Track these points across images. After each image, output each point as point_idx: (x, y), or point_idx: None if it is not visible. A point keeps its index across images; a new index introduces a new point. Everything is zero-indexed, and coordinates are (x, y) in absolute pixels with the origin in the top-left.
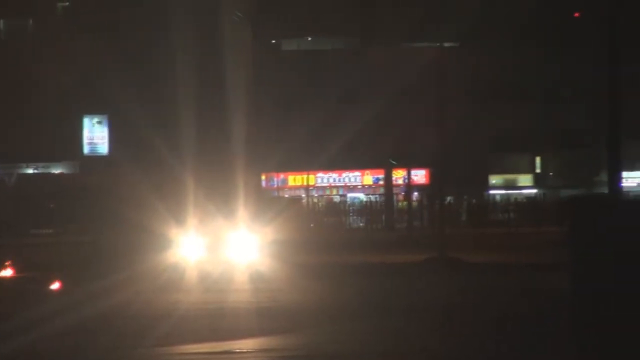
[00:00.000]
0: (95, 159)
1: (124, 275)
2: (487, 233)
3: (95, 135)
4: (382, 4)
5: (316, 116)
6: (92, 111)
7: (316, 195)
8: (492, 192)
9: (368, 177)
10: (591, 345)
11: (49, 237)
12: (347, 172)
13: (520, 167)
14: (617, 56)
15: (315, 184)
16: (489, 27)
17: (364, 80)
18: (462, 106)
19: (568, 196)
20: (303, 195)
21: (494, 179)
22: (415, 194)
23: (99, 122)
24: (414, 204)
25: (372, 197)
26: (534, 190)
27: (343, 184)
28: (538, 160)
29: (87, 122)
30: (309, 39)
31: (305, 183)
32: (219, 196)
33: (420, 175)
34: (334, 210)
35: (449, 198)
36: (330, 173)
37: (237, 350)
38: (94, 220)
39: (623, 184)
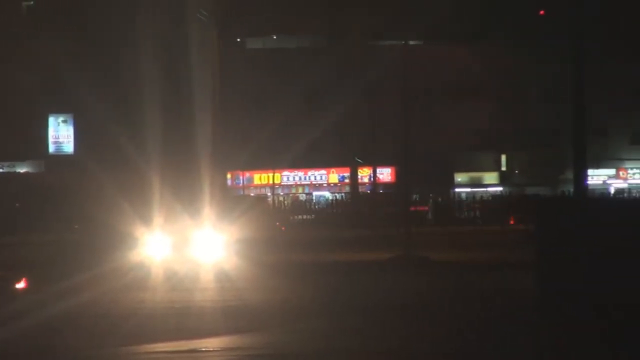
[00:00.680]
0: (61, 158)
1: (90, 274)
2: (453, 231)
3: (61, 134)
4: (347, 3)
5: (282, 114)
6: (58, 110)
7: (282, 193)
8: (458, 190)
9: (334, 176)
10: (557, 343)
11: (15, 236)
12: (313, 171)
13: (485, 165)
14: (582, 55)
15: (281, 182)
16: (454, 25)
17: (329, 79)
18: (428, 104)
19: (533, 196)
20: (269, 194)
21: (459, 177)
22: (381, 192)
23: (64, 121)
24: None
25: (338, 196)
26: (500, 188)
27: (309, 183)
28: (504, 158)
29: (52, 121)
30: (274, 37)
31: (271, 182)
32: (185, 195)
33: (385, 174)
34: (300, 208)
35: (415, 196)
36: (296, 171)
37: (204, 349)
38: (59, 219)
39: (588, 182)
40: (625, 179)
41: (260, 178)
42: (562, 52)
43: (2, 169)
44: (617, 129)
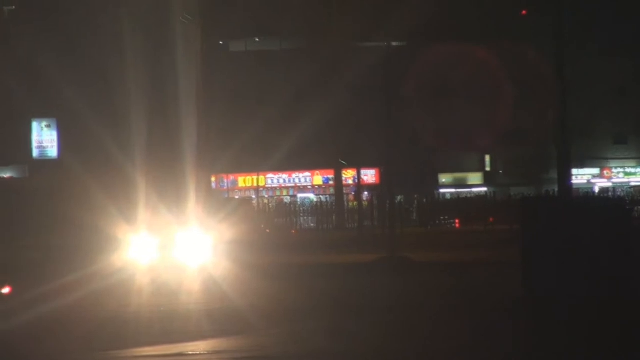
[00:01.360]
0: (45, 162)
1: (74, 277)
2: (438, 232)
3: (44, 139)
4: (330, 4)
5: (266, 117)
6: (41, 115)
7: (266, 196)
8: (442, 190)
9: (318, 178)
10: (541, 344)
11: None
12: (297, 173)
13: (469, 166)
14: (564, 54)
15: (266, 185)
16: (437, 25)
17: (312, 80)
18: (411, 105)
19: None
20: (253, 197)
21: (443, 178)
22: (366, 193)
23: (48, 126)
24: (365, 203)
25: (323, 198)
26: (484, 189)
27: (293, 185)
28: (488, 158)
29: (35, 126)
30: (257, 39)
31: (255, 184)
32: (170, 196)
33: (370, 175)
34: (285, 211)
35: (399, 197)
36: (280, 174)
37: (190, 353)
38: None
39: (573, 181)
40: (609, 178)
41: (245, 181)
42: (547, 51)
43: None
44: (601, 128)
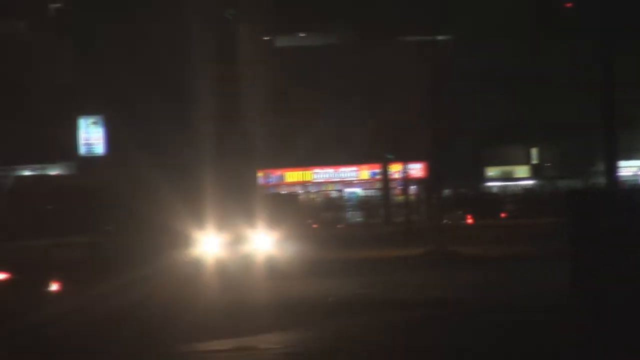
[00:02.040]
0: (92, 159)
1: (140, 273)
2: (485, 225)
3: (92, 136)
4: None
5: (312, 112)
6: (88, 112)
7: (313, 191)
8: (489, 184)
9: (365, 172)
10: (593, 341)
11: (49, 239)
12: (343, 167)
13: (516, 159)
14: (611, 44)
15: (312, 179)
16: (482, 19)
17: (358, 75)
18: (457, 99)
19: (567, 190)
20: (300, 192)
21: (490, 171)
22: (413, 187)
23: (95, 123)
24: (412, 197)
25: (370, 192)
26: (531, 182)
27: (340, 179)
28: (534, 151)
29: (82, 123)
30: (302, 35)
31: (302, 179)
32: (220, 194)
33: (417, 169)
34: (332, 205)
35: (446, 191)
36: (326, 169)
37: (263, 347)
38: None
39: (619, 174)
40: None
41: (291, 176)
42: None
43: (33, 171)
44: None
